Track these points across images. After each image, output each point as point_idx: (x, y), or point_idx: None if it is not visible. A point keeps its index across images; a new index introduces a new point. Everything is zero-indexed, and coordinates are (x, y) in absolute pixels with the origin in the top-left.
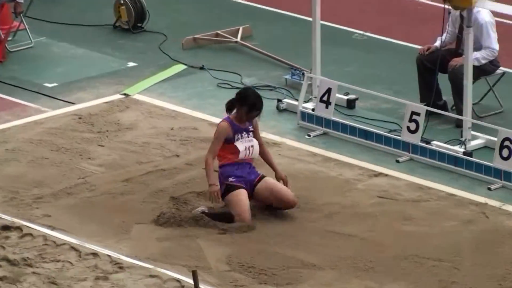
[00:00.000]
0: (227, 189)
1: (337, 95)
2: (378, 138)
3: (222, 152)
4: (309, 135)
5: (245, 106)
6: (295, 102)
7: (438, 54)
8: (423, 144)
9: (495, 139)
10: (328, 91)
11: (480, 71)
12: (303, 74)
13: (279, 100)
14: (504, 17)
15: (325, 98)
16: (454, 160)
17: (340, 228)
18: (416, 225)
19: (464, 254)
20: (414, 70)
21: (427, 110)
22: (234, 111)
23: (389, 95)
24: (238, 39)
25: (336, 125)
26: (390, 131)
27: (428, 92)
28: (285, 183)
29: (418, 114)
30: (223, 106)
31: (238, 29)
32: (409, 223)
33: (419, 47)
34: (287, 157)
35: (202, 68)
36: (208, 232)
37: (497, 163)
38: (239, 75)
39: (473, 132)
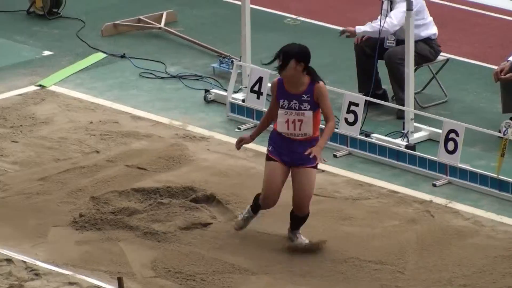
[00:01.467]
0: (266, 157)
1: (269, 84)
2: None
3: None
4: (239, 128)
5: (283, 56)
6: (224, 93)
7: (376, 40)
8: (363, 137)
9: (440, 131)
10: (259, 80)
11: (422, 58)
12: (232, 62)
13: (206, 91)
14: (450, 0)
15: (256, 88)
16: (396, 154)
17: (273, 229)
18: (356, 225)
19: (408, 256)
20: (351, 57)
21: (366, 100)
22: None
23: (327, 85)
24: (162, 25)
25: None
26: None
27: (367, 81)
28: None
29: (357, 105)
30: (146, 97)
31: (162, 14)
32: (348, 223)
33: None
34: (216, 153)
35: (123, 56)
36: (131, 235)
37: (442, 157)
38: (163, 63)
39: (415, 124)
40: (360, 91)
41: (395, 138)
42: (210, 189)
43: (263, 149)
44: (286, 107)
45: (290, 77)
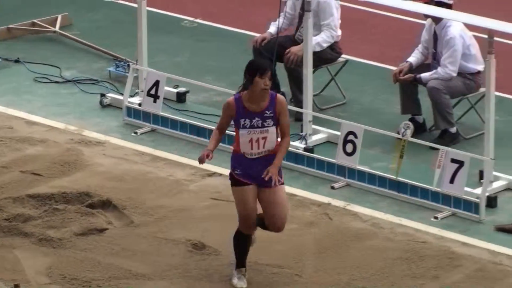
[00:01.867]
0: (232, 181)
1: (166, 88)
2: (211, 134)
3: (236, 135)
4: (136, 133)
5: (247, 72)
6: (120, 97)
7: (274, 42)
8: None
9: (338, 133)
10: (156, 84)
11: (321, 60)
12: (128, 65)
13: (102, 95)
14: (348, 1)
15: (152, 92)
16: (294, 157)
17: (170, 234)
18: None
19: (306, 259)
20: (248, 59)
21: None
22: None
23: (222, 87)
24: (57, 28)
25: (165, 121)
26: None
27: None
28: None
29: None
30: (41, 102)
31: (57, 18)
32: None
33: (255, 34)
34: (112, 157)
35: (17, 61)
36: (26, 242)
37: (341, 159)
38: (59, 68)
39: (314, 126)
40: None
41: (294, 141)
42: (106, 194)
43: (160, 153)
44: (248, 126)
45: (260, 92)
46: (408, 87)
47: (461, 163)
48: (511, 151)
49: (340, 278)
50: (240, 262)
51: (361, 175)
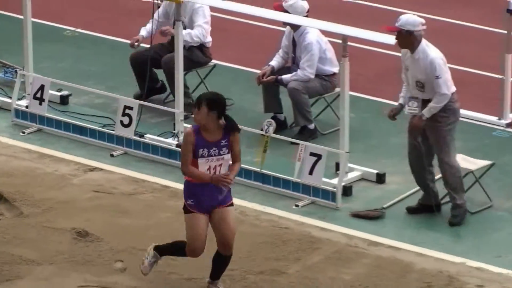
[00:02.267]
0: (185, 210)
1: (50, 91)
2: (92, 133)
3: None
4: (23, 132)
5: (201, 106)
6: (9, 100)
7: (147, 50)
8: (137, 138)
9: None
10: (41, 88)
11: (194, 63)
12: (15, 72)
13: None
14: (215, 11)
15: (38, 95)
16: (167, 152)
17: (57, 223)
18: (132, 218)
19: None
20: (125, 65)
21: (140, 105)
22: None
23: (102, 90)
24: None
25: (50, 122)
26: (104, 125)
27: (142, 83)
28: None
29: (131, 108)
30: None
31: None
32: (126, 216)
33: (129, 41)
34: (2, 155)
35: None
36: None
37: None
38: None
39: (186, 124)
40: (136, 95)
41: (167, 138)
42: None
43: (47, 150)
44: (206, 155)
45: (204, 123)
46: (271, 88)
47: (319, 156)
48: (364, 145)
49: (207, 260)
50: (161, 251)
51: None
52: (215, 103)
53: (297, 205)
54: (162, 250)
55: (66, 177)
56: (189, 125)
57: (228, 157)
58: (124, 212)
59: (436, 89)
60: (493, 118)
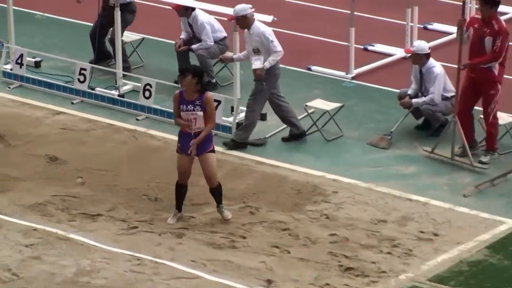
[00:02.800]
0: (177, 150)
1: (28, 58)
2: (58, 87)
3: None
4: (9, 87)
5: (187, 75)
6: None
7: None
8: (90, 90)
9: (139, 84)
10: (21, 56)
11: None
12: (2, 44)
13: None
14: None
15: (19, 61)
16: (112, 100)
17: (34, 151)
18: (88, 147)
19: (122, 165)
20: (83, 40)
21: (92, 67)
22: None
23: (65, 57)
24: None
25: (28, 80)
26: (66, 82)
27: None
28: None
29: (85, 69)
30: None
31: None
32: (84, 146)
33: (87, 23)
34: None
35: None
36: None
37: (141, 101)
38: None
39: (124, 80)
40: (90, 61)
41: (111, 90)
42: None
43: (26, 100)
44: (184, 110)
45: (188, 87)
46: (183, 54)
47: (219, 102)
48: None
49: (144, 176)
50: (178, 206)
51: (156, 111)
52: (197, 73)
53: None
54: (177, 206)
55: (40, 119)
56: (129, 81)
57: (200, 113)
58: (83, 142)
59: (273, 49)
60: (343, 73)
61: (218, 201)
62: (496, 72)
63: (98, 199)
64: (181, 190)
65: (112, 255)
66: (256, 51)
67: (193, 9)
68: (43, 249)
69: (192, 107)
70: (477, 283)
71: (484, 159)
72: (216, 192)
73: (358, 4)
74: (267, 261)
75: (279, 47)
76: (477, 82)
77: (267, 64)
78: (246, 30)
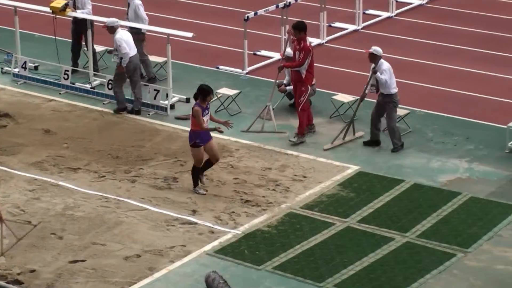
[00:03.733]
0: (194, 145)
1: (29, 64)
2: (50, 83)
3: (194, 122)
4: (17, 83)
5: (203, 94)
6: (10, 68)
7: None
8: (71, 84)
9: (105, 80)
10: (25, 62)
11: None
12: (12, 55)
13: None
14: None
15: (24, 66)
16: (86, 91)
17: (34, 126)
18: (71, 122)
19: (94, 134)
20: (66, 51)
21: (72, 68)
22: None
23: (54, 63)
24: None
25: (30, 78)
26: (56, 79)
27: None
28: (226, 124)
29: (68, 71)
30: None
31: None
32: (68, 122)
33: (68, 39)
34: (8, 95)
35: None
36: None
37: (106, 91)
38: None
39: (94, 78)
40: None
41: (86, 84)
42: None
43: (29, 92)
44: (204, 115)
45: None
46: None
47: (158, 90)
48: (180, 83)
49: (108, 142)
50: (199, 181)
51: (115, 97)
52: (205, 93)
53: (149, 114)
54: (195, 183)
55: (38, 104)
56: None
57: (209, 116)
58: (67, 119)
59: (122, 51)
60: (240, 70)
61: (206, 169)
62: (303, 75)
63: (78, 158)
64: (198, 172)
65: (88, 196)
66: (115, 49)
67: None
68: (41, 193)
69: (207, 112)
70: (333, 209)
71: (292, 139)
72: (211, 164)
73: (249, 23)
74: (192, 197)
75: (124, 50)
76: (292, 80)
77: (123, 63)
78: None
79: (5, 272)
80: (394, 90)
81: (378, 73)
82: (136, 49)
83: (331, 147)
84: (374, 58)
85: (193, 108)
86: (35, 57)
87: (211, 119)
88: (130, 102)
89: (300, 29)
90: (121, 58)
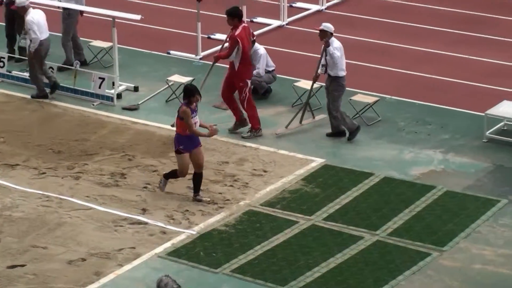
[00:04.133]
0: (177, 152)
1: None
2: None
3: (181, 125)
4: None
5: (188, 95)
6: None
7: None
8: (7, 73)
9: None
10: None
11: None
12: None
13: None
14: None
15: None
16: (24, 80)
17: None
18: (8, 115)
19: (33, 127)
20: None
21: (8, 56)
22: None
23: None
24: None
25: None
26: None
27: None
28: (212, 129)
29: (4, 57)
30: None
31: None
32: (4, 114)
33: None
34: None
35: None
36: None
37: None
38: None
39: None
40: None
41: (24, 72)
42: None
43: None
44: (194, 117)
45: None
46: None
47: (103, 79)
48: (127, 71)
49: (49, 135)
50: (198, 189)
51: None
52: (190, 93)
53: (93, 104)
54: (166, 176)
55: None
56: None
57: (197, 119)
58: (3, 111)
59: (32, 35)
60: (193, 55)
61: (197, 189)
62: (236, 68)
63: (16, 153)
64: (200, 178)
65: (27, 194)
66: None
67: None
68: None
69: (196, 114)
70: (297, 206)
71: (245, 135)
72: (199, 178)
73: (202, 4)
74: (142, 194)
75: (33, 34)
76: (229, 75)
77: (32, 49)
78: None
79: None
80: (342, 72)
81: (330, 47)
82: (48, 32)
83: (284, 133)
84: (324, 35)
85: (180, 108)
86: None
87: (200, 124)
88: (46, 86)
89: (233, 16)
90: (30, 41)
